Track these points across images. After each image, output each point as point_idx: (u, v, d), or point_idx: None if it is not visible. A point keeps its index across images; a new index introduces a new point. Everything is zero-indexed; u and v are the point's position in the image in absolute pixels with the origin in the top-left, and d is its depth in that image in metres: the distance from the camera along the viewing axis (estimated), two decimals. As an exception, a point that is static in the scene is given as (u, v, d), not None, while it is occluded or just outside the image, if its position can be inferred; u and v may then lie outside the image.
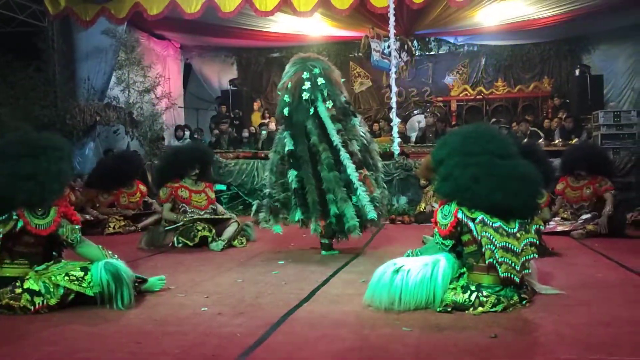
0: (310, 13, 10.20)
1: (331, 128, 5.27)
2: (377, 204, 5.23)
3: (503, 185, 3.31)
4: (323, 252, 5.55)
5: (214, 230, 6.19)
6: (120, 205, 8.10)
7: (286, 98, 5.40)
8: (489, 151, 3.42)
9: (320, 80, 5.32)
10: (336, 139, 5.24)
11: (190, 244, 6.09)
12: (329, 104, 5.31)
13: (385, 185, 5.78)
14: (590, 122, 10.93)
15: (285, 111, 5.41)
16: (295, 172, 5.30)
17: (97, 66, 11.58)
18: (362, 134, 5.51)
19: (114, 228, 7.72)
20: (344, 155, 5.19)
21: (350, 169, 5.17)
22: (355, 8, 10.08)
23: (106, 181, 8.05)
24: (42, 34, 11.15)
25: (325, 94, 5.32)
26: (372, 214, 5.09)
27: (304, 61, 5.51)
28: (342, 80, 5.66)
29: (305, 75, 5.35)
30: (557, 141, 10.72)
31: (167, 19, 11.08)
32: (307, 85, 5.30)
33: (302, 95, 5.30)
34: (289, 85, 5.42)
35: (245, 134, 13.04)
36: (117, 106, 11.62)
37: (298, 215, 5.32)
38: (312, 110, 5.29)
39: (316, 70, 5.38)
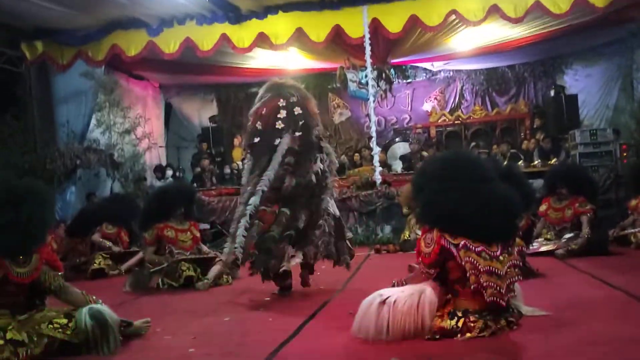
0: (286, 46, 10.32)
1: (276, 162, 4.85)
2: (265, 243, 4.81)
3: (483, 208, 3.34)
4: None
5: (199, 270, 6.15)
6: (121, 240, 8.16)
7: (258, 125, 5.04)
8: (468, 176, 3.46)
9: (298, 110, 4.96)
10: (269, 172, 4.83)
11: (176, 285, 6.03)
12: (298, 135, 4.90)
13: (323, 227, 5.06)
14: (567, 142, 11.07)
15: (257, 140, 5.06)
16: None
17: (77, 109, 11.55)
18: (314, 173, 4.95)
19: (99, 264, 7.63)
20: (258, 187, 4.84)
21: (252, 202, 4.81)
22: (331, 40, 10.20)
23: (117, 215, 8.18)
24: (19, 80, 11.08)
25: (300, 125, 4.94)
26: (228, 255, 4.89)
27: (279, 87, 5.15)
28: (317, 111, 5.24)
29: (282, 102, 4.99)
30: (536, 162, 10.84)
31: (146, 60, 11.15)
32: (283, 114, 4.94)
33: (276, 124, 4.93)
34: (264, 112, 5.06)
35: (227, 170, 13.03)
36: (98, 149, 11.58)
37: None
38: (278, 141, 4.90)
39: (293, 99, 5.02)
